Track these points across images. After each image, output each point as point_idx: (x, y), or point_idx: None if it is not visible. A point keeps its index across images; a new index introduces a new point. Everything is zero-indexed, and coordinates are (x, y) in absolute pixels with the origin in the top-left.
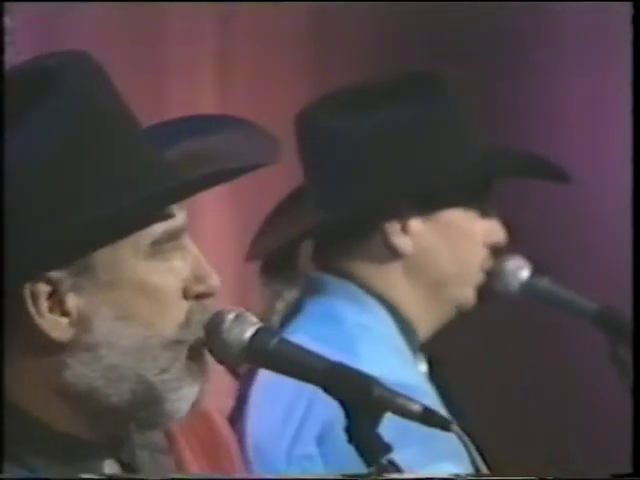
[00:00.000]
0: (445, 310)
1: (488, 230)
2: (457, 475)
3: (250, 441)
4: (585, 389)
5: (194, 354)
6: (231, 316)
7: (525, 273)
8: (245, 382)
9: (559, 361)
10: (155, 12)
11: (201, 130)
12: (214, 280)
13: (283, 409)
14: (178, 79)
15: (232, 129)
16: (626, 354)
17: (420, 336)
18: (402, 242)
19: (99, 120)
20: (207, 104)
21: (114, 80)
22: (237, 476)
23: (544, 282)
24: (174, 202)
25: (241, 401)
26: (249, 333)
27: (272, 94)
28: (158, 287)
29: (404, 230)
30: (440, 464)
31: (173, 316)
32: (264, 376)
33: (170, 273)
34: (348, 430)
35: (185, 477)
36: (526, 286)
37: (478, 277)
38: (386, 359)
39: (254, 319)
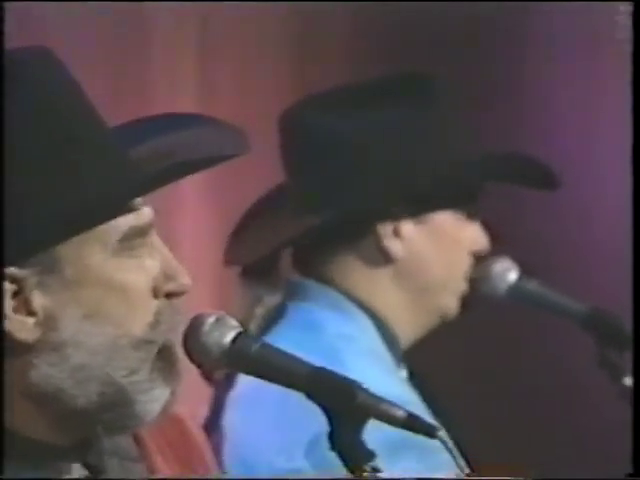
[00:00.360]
0: (429, 319)
1: (474, 236)
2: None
3: (232, 452)
4: (578, 391)
5: (164, 355)
6: (211, 319)
7: (513, 275)
8: (222, 389)
9: (549, 363)
10: (138, 12)
11: (167, 128)
12: (185, 278)
13: (268, 421)
14: (161, 80)
15: (198, 125)
16: (616, 357)
17: (403, 344)
18: (394, 246)
19: (60, 114)
20: (190, 104)
21: (96, 80)
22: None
23: (532, 285)
24: (138, 195)
25: (217, 410)
26: (229, 337)
27: (255, 94)
28: (127, 285)
29: (396, 233)
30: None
31: (142, 315)
32: (244, 384)
33: (139, 271)
34: (331, 436)
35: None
36: (514, 289)
37: (462, 286)
38: (370, 370)
39: (235, 323)
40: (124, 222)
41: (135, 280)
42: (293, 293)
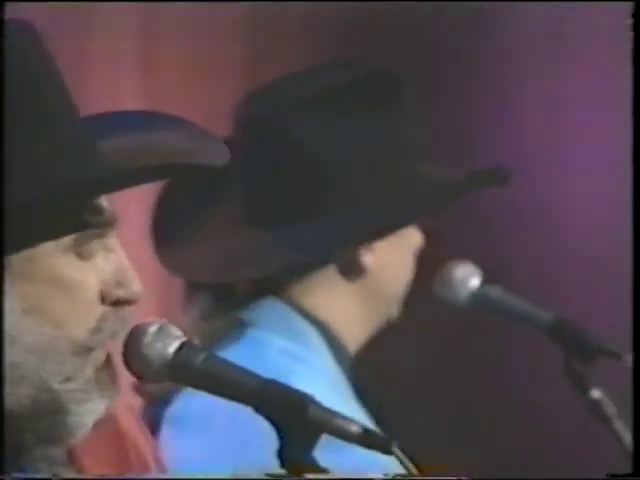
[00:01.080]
0: (377, 326)
1: (417, 237)
2: (385, 474)
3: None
4: (541, 403)
5: (103, 365)
6: (153, 329)
7: (475, 281)
8: (159, 406)
9: (512, 373)
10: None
11: (144, 126)
12: (136, 287)
13: (213, 444)
14: (100, 75)
15: (170, 127)
16: (580, 367)
17: (351, 354)
18: (367, 260)
19: (38, 94)
20: (130, 101)
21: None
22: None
23: (495, 291)
24: (107, 191)
25: (153, 428)
26: (173, 347)
27: (200, 90)
28: (75, 284)
29: (369, 247)
30: None
31: (86, 319)
32: (185, 401)
33: (90, 272)
34: (281, 453)
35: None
36: (476, 295)
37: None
38: (316, 389)
39: (178, 332)
40: (83, 219)
41: (84, 281)
42: (244, 309)
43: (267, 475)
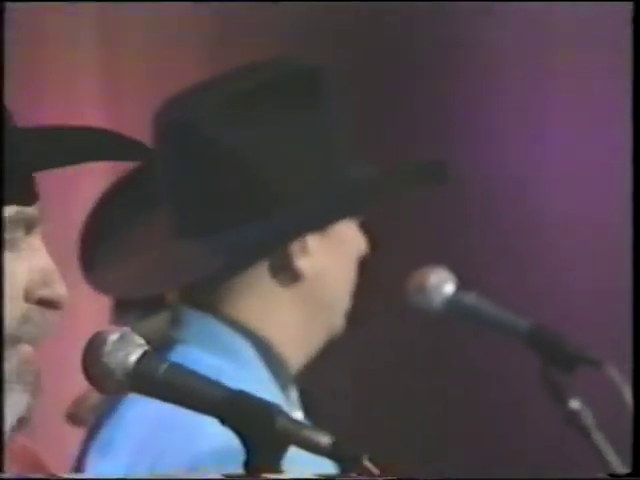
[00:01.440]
0: (321, 338)
1: (361, 242)
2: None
3: None
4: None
5: (28, 359)
6: (114, 337)
7: (450, 287)
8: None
9: (488, 381)
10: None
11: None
12: (61, 289)
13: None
14: (57, 85)
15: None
16: (559, 376)
17: (293, 367)
18: (303, 264)
19: None
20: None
21: None
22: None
23: (470, 297)
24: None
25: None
26: (135, 357)
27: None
28: (4, 274)
29: (304, 250)
30: None
31: (10, 311)
32: (112, 429)
33: (19, 264)
34: (247, 465)
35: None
36: (451, 302)
37: (349, 300)
38: None
39: (141, 340)
40: (10, 208)
41: (12, 272)
42: (172, 325)
43: (225, 475)
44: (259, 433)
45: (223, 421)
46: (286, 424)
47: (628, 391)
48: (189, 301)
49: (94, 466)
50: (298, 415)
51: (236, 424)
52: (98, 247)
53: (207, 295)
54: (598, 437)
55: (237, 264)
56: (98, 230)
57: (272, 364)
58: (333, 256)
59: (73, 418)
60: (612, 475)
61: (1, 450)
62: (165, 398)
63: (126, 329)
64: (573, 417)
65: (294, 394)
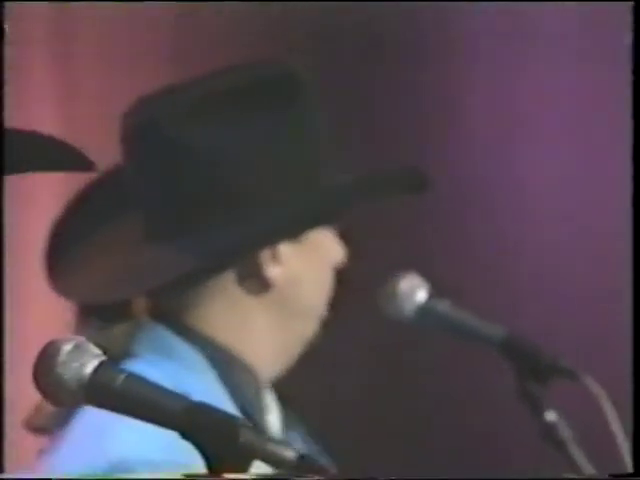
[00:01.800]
0: (296, 347)
1: (337, 250)
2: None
3: None
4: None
5: None
6: (68, 347)
7: (422, 294)
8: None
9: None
10: None
11: None
12: None
13: None
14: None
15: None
16: (534, 387)
17: (267, 378)
18: (273, 272)
19: None
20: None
21: None
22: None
23: (443, 305)
24: None
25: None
26: (90, 367)
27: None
28: None
29: (275, 258)
30: None
31: None
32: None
33: None
34: None
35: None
36: (423, 310)
37: (325, 308)
38: None
39: (97, 350)
40: None
41: None
42: (131, 336)
43: (185, 475)
44: (221, 447)
45: (184, 435)
46: (250, 438)
47: (605, 402)
48: (155, 311)
49: (40, 465)
50: (271, 418)
51: (197, 438)
52: (64, 252)
53: (173, 304)
54: (575, 451)
55: (204, 268)
56: (64, 235)
57: (232, 372)
58: (306, 264)
59: (31, 426)
60: (612, 475)
61: (1, 450)
62: (121, 410)
63: (81, 338)
64: (549, 430)
65: (269, 400)
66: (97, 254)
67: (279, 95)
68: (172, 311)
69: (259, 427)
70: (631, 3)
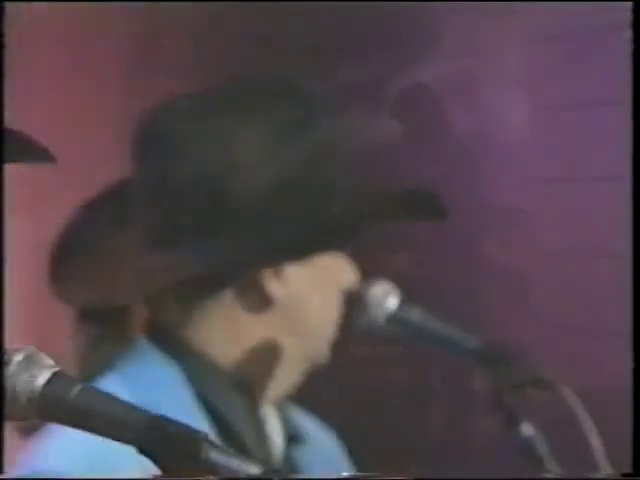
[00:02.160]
0: (300, 367)
1: (348, 273)
2: None
3: None
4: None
5: None
6: (18, 357)
7: (393, 301)
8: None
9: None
10: None
11: None
12: None
13: None
14: None
15: None
16: (511, 399)
17: (264, 392)
18: (274, 290)
19: None
20: None
21: None
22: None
23: (415, 313)
24: None
25: None
26: (43, 379)
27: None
28: None
29: (277, 275)
30: None
31: None
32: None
33: None
34: None
35: None
36: (394, 317)
37: (334, 330)
38: None
39: (49, 361)
40: None
41: None
42: (123, 349)
43: (154, 476)
44: (181, 462)
45: (141, 450)
46: (213, 454)
47: (582, 411)
48: (152, 324)
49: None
50: (270, 434)
51: (156, 453)
52: (66, 258)
53: (171, 318)
54: (551, 466)
55: (202, 276)
56: (68, 242)
57: (216, 387)
58: (312, 285)
59: (18, 428)
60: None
61: (1, 450)
62: (75, 424)
63: (32, 348)
64: (524, 443)
65: (269, 416)
66: (99, 261)
67: (288, 112)
68: (169, 325)
69: (246, 443)
70: (631, 3)
